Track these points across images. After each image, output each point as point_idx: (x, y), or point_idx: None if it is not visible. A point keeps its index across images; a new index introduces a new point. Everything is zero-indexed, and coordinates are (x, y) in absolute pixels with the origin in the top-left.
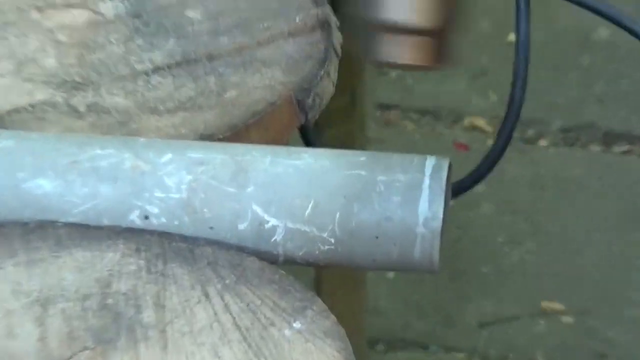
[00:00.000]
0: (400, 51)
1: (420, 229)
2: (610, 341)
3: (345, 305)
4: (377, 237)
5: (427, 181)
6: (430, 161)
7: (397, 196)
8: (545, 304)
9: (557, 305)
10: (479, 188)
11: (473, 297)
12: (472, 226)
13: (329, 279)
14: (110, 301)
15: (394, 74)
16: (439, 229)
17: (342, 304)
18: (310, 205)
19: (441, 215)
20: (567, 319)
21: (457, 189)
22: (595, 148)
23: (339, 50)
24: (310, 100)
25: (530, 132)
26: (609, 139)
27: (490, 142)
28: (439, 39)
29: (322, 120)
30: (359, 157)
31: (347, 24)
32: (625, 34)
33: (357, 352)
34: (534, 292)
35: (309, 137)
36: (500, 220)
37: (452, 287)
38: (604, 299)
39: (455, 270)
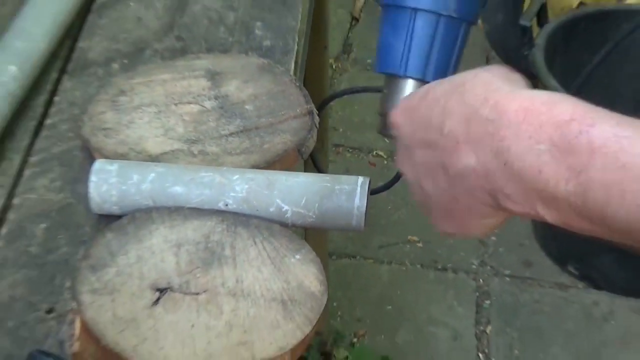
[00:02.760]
0: (381, 126)
1: (355, 212)
2: None
3: (317, 244)
4: (334, 215)
5: (358, 189)
6: (360, 179)
7: (344, 195)
8: None
9: None
10: None
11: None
12: None
13: (310, 234)
14: (209, 245)
15: (340, 129)
16: (363, 212)
17: (315, 245)
18: (304, 200)
19: (364, 207)
20: None
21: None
22: None
23: (318, 125)
24: (304, 149)
25: None
26: None
27: (388, 164)
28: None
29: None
30: (326, 177)
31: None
32: None
33: (323, 261)
34: None
35: (317, 163)
36: None
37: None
38: None
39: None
